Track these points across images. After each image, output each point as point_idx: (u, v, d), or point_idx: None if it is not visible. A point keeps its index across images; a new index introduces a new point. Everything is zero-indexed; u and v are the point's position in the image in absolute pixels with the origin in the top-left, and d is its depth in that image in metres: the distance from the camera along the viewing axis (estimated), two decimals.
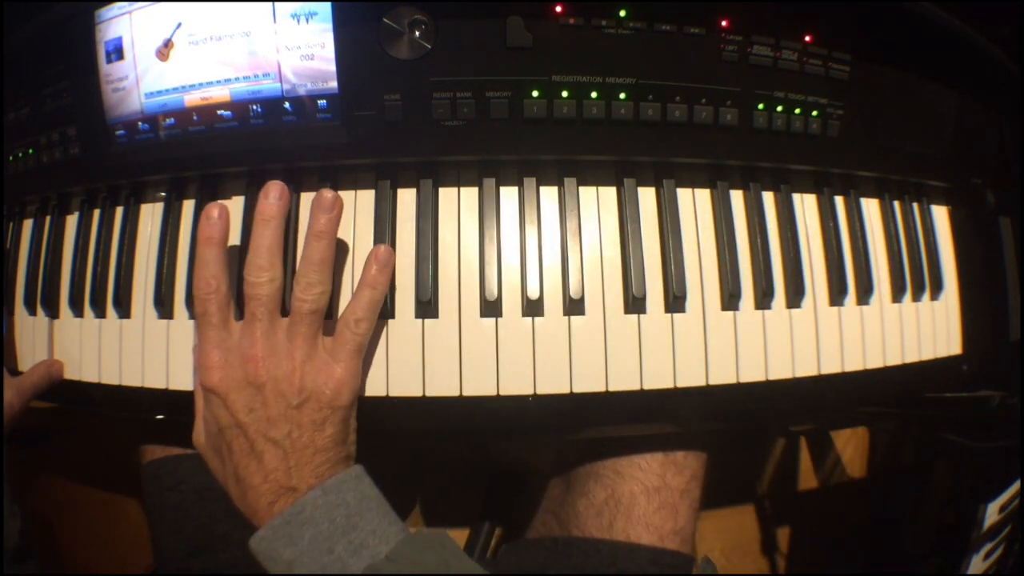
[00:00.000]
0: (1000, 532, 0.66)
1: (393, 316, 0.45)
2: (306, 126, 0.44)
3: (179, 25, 0.44)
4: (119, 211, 0.50)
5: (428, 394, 0.44)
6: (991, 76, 0.51)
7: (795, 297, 0.48)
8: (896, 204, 0.54)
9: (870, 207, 0.53)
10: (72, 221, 0.53)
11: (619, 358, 0.44)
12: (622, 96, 0.44)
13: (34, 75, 0.49)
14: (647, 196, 0.47)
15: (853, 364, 0.49)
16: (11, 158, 0.52)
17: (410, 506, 0.94)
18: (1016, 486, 0.65)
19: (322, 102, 0.44)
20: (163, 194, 0.50)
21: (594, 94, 0.43)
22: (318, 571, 0.35)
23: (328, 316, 0.42)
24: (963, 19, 0.47)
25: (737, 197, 0.49)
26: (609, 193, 0.47)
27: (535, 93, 0.43)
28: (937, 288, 0.54)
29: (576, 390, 0.44)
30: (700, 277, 0.47)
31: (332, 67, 0.43)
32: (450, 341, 0.44)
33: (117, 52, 0.45)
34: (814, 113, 0.47)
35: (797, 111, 0.46)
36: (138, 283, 0.49)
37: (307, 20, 0.42)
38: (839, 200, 0.51)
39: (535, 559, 0.51)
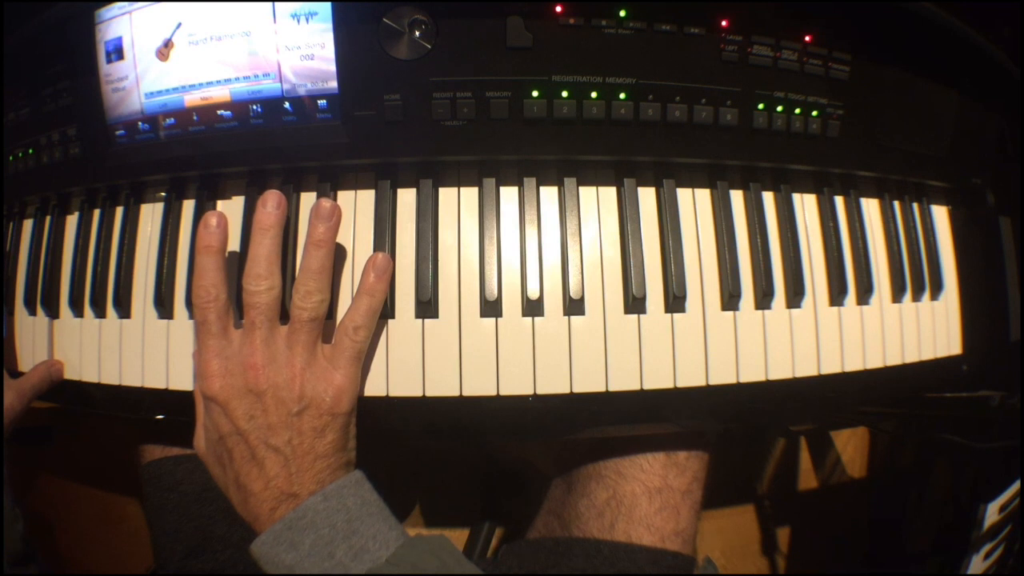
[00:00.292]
0: (1000, 532, 0.66)
1: (393, 316, 0.45)
2: (306, 126, 0.44)
3: (179, 25, 0.44)
4: (119, 211, 0.51)
5: (428, 394, 0.44)
6: (991, 76, 0.51)
7: (795, 297, 0.48)
8: (896, 204, 0.54)
9: (870, 207, 0.53)
10: (72, 221, 0.53)
11: (619, 358, 0.44)
12: (622, 96, 0.44)
13: (34, 75, 0.49)
14: (647, 196, 0.47)
15: (853, 364, 0.49)
16: (11, 158, 0.52)
17: (410, 506, 0.94)
18: (1016, 486, 0.65)
19: (322, 102, 0.44)
20: (163, 194, 0.50)
21: (594, 94, 0.43)
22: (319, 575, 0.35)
23: (329, 317, 0.42)
24: (963, 19, 0.47)
25: (737, 197, 0.49)
26: (609, 193, 0.47)
27: (535, 93, 0.43)
28: (937, 288, 0.54)
29: (576, 390, 0.44)
30: (700, 277, 0.47)
31: (332, 67, 0.43)
32: (450, 341, 0.44)
33: (117, 52, 0.45)
34: (814, 113, 0.47)
35: (797, 111, 0.46)
36: (138, 283, 0.49)
37: (307, 20, 0.42)
38: (839, 200, 0.51)
39: (536, 559, 0.51)
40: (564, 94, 0.43)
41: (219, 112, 0.45)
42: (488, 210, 0.46)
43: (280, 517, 0.37)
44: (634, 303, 0.45)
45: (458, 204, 0.46)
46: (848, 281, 0.50)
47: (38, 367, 0.50)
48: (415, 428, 0.45)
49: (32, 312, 0.53)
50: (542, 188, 0.46)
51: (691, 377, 0.45)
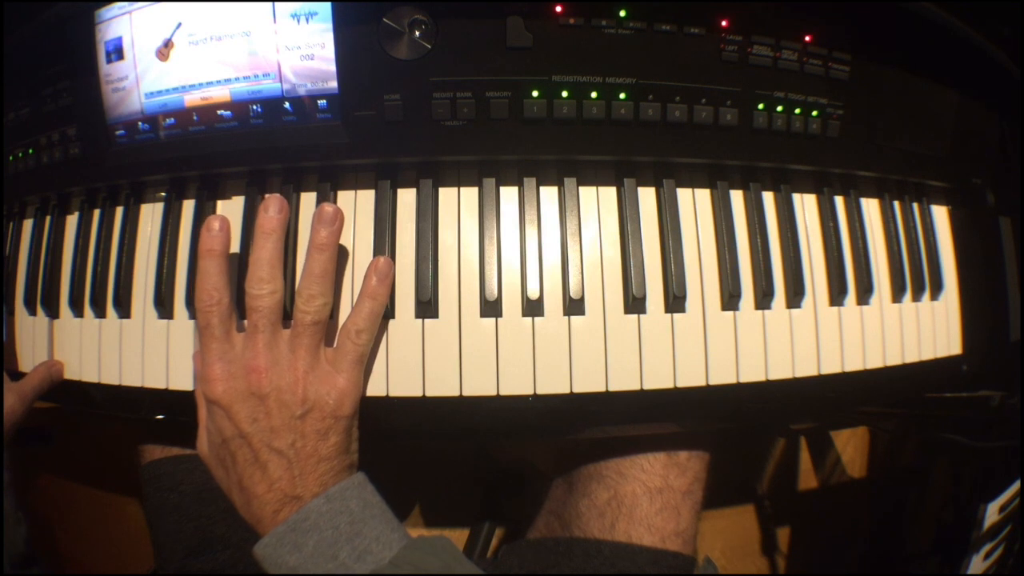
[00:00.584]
0: (1000, 532, 0.66)
1: (393, 316, 0.45)
2: (306, 126, 0.44)
3: (179, 25, 0.44)
4: (119, 211, 0.50)
5: (428, 394, 0.44)
6: (991, 76, 0.51)
7: (795, 297, 0.48)
8: (896, 204, 0.54)
9: (870, 207, 0.53)
10: (72, 221, 0.53)
11: (619, 358, 0.44)
12: (622, 96, 0.44)
13: (34, 75, 0.49)
14: (647, 196, 0.47)
15: (853, 364, 0.49)
16: (11, 158, 0.52)
17: (410, 507, 0.94)
18: (1016, 486, 0.65)
19: (322, 102, 0.44)
20: (163, 194, 0.50)
21: (594, 94, 0.43)
22: None
23: (330, 318, 0.42)
24: (963, 19, 0.47)
25: (737, 197, 0.49)
26: (609, 193, 0.47)
27: (535, 93, 0.43)
28: (937, 288, 0.54)
29: (576, 390, 0.44)
30: (700, 277, 0.47)
31: (332, 67, 0.43)
32: (450, 341, 0.44)
33: (117, 52, 0.45)
34: (814, 113, 0.47)
35: (797, 111, 0.46)
36: (138, 283, 0.49)
37: (307, 20, 0.42)
38: (839, 200, 0.51)
39: (537, 559, 0.51)
40: (564, 94, 0.43)
41: (219, 112, 0.45)
42: (488, 210, 0.46)
43: (284, 519, 0.37)
44: (634, 303, 0.45)
45: (458, 204, 0.46)
46: (848, 281, 0.50)
47: (38, 368, 0.50)
48: (415, 428, 0.45)
49: (32, 312, 0.53)
50: (542, 188, 0.46)
51: (691, 377, 0.45)
